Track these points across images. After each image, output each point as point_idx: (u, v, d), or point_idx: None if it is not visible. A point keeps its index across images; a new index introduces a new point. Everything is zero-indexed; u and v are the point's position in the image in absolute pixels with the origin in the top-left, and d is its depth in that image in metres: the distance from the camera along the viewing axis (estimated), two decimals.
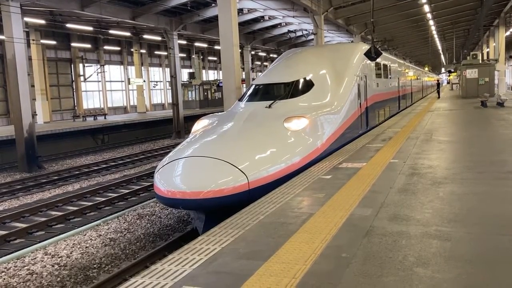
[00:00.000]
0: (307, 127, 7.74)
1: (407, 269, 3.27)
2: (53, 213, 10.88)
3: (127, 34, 32.62)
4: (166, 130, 29.75)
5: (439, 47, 55.60)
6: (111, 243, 8.49)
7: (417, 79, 29.48)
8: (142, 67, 38.58)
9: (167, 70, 36.91)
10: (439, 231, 4.04)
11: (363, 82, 11.50)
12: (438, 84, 36.51)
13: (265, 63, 56.77)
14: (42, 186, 14.45)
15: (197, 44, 39.15)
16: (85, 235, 8.99)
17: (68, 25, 25.93)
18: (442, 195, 5.27)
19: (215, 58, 48.68)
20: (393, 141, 9.94)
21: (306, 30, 32.14)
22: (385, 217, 4.53)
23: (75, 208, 10.90)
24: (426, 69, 57.31)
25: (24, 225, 9.73)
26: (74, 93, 32.32)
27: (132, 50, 36.95)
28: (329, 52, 11.58)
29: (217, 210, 6.23)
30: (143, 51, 38.39)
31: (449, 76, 52.83)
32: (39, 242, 8.66)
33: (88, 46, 32.56)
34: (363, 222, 4.40)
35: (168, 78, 34.07)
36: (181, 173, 6.39)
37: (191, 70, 43.02)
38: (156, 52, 40.55)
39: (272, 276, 3.28)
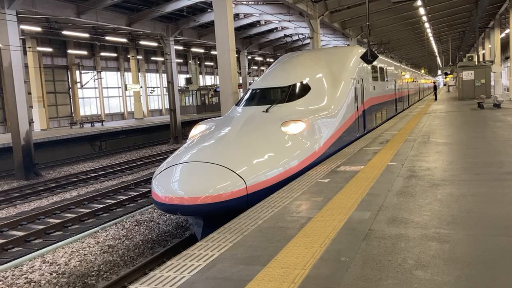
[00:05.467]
0: (305, 131, 7.74)
1: (406, 272, 3.26)
2: (51, 220, 10.84)
3: (124, 40, 32.66)
4: (164, 135, 29.74)
5: (435, 50, 55.84)
6: (110, 250, 8.45)
7: (413, 81, 29.58)
8: (139, 73, 38.60)
9: (164, 75, 36.93)
10: (438, 233, 4.03)
11: (359, 85, 11.53)
12: (435, 86, 36.65)
13: (261, 68, 56.87)
14: (40, 193, 14.40)
15: (193, 49, 39.19)
16: (83, 242, 8.95)
17: (64, 32, 25.94)
18: (440, 197, 5.27)
19: (212, 63, 48.75)
20: (391, 144, 9.95)
21: (302, 34, 32.21)
22: (384, 220, 4.52)
23: (73, 215, 10.86)
24: (423, 71, 57.51)
25: (21, 233, 9.69)
26: (71, 100, 32.28)
27: (128, 56, 36.97)
28: (326, 55, 11.60)
29: (216, 215, 6.22)
30: (139, 57, 38.42)
31: (445, 78, 53.02)
32: (37, 250, 8.62)
33: (85, 52, 32.57)
34: (361, 225, 4.40)
35: (165, 84, 34.08)
36: (179, 179, 6.37)
37: (188, 76, 43.06)
38: (153, 58, 40.58)
39: (271, 281, 3.26)
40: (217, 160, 6.50)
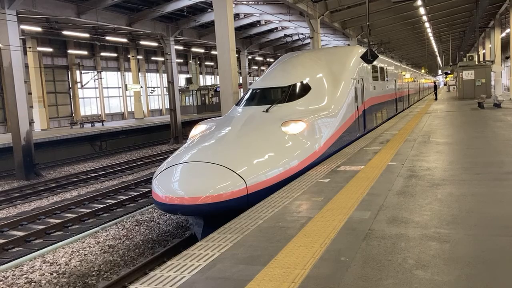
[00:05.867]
0: (305, 131, 7.74)
1: (406, 272, 3.26)
2: (51, 220, 10.85)
3: (124, 40, 32.66)
4: (164, 135, 29.74)
5: (435, 49, 55.84)
6: (110, 250, 8.46)
7: (414, 81, 29.57)
8: (139, 73, 38.60)
9: (164, 75, 36.92)
10: (438, 233, 4.04)
11: (360, 85, 11.53)
12: (435, 86, 36.62)
13: (262, 68, 56.87)
14: (40, 193, 14.40)
15: (194, 49, 39.20)
16: (84, 242, 8.95)
17: (65, 32, 25.94)
18: (441, 197, 5.27)
19: (212, 63, 48.75)
20: (391, 144, 9.95)
21: (302, 34, 32.20)
22: (384, 219, 4.52)
23: (74, 215, 10.87)
24: (423, 71, 57.49)
25: (22, 233, 9.69)
26: (71, 100, 32.29)
27: (129, 56, 36.97)
28: (326, 55, 11.60)
29: (216, 215, 6.22)
30: (140, 57, 38.42)
31: (445, 78, 53.02)
32: (38, 250, 8.63)
33: (85, 52, 32.58)
34: (362, 225, 4.40)
35: (166, 84, 34.08)
36: (179, 179, 6.37)
37: (188, 76, 43.07)
38: (153, 58, 40.58)
39: (271, 281, 3.27)
40: (218, 160, 6.51)
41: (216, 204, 5.96)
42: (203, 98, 41.17)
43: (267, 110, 8.62)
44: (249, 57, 45.60)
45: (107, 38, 28.21)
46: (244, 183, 6.20)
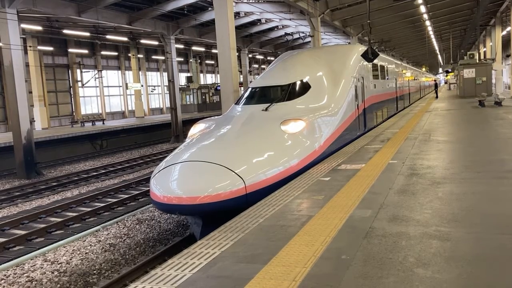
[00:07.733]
0: (305, 130, 7.72)
1: (407, 270, 3.26)
2: (52, 219, 10.85)
3: (124, 39, 32.65)
4: (165, 134, 29.75)
5: (436, 48, 55.76)
6: (111, 248, 8.47)
7: (414, 79, 29.54)
8: (140, 72, 38.59)
9: (165, 74, 36.91)
10: (438, 231, 4.03)
11: (360, 83, 11.51)
12: (436, 85, 36.58)
13: (262, 66, 56.84)
14: (41, 192, 14.41)
15: (194, 48, 39.18)
16: (85, 241, 8.96)
17: (65, 31, 25.93)
18: (441, 195, 5.27)
19: (212, 62, 48.74)
20: (392, 142, 9.94)
21: (303, 32, 32.20)
22: (385, 218, 4.52)
23: (74, 214, 10.87)
24: (424, 69, 57.41)
25: (23, 232, 9.70)
26: (72, 98, 32.32)
27: (129, 55, 36.96)
28: (326, 54, 11.58)
29: (214, 215, 6.20)
30: (140, 55, 38.41)
31: (446, 76, 52.93)
32: (39, 248, 8.63)
33: (85, 51, 32.57)
34: (362, 223, 4.40)
35: (166, 83, 34.07)
36: (178, 178, 6.32)
37: (188, 74, 43.07)
38: (154, 57, 40.57)
39: (272, 279, 3.27)
40: (216, 159, 6.47)
41: (214, 203, 5.93)
42: (203, 97, 41.16)
43: (266, 109, 8.60)
44: (250, 55, 45.56)
45: (108, 36, 28.18)
46: (242, 182, 6.16)
